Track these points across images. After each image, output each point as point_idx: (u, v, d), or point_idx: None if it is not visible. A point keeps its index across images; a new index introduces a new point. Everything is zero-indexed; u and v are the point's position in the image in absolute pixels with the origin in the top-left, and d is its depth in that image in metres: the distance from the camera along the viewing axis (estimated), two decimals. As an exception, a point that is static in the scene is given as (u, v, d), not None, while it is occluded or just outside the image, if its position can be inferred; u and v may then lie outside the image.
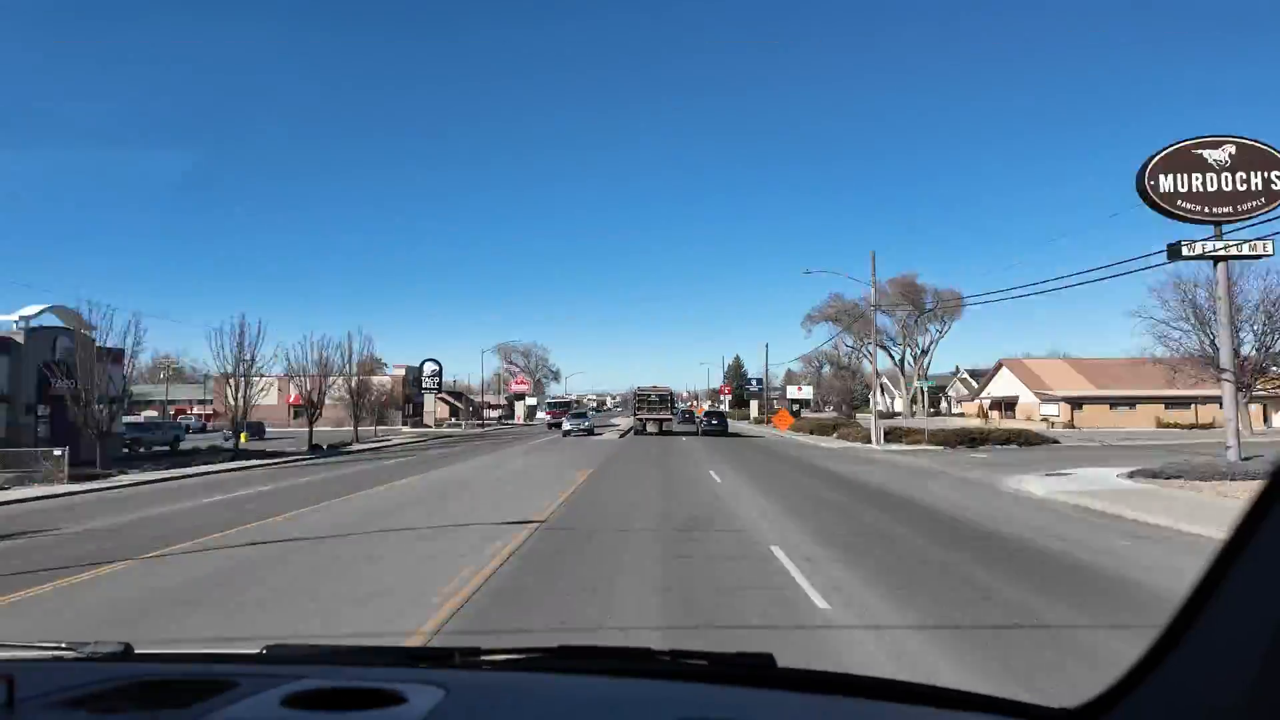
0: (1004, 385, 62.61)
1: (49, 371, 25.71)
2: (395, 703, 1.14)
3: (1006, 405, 61.12)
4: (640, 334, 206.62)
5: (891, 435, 35.10)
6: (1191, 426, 48.25)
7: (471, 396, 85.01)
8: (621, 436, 43.51)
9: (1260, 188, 18.02)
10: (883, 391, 61.83)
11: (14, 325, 27.71)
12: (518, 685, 1.35)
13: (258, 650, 1.52)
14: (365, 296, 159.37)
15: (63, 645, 1.49)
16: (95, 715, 1.13)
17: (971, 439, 32.91)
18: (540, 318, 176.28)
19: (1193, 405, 49.29)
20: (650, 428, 46.34)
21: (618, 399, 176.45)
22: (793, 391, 75.78)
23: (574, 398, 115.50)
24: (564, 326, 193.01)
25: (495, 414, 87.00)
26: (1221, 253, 18.62)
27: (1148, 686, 0.98)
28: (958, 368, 76.50)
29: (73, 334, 25.74)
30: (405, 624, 6.46)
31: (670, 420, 47.03)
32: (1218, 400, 28.19)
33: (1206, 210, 18.31)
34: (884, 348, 63.04)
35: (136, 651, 1.50)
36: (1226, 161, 18.29)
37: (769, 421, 60.93)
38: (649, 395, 46.69)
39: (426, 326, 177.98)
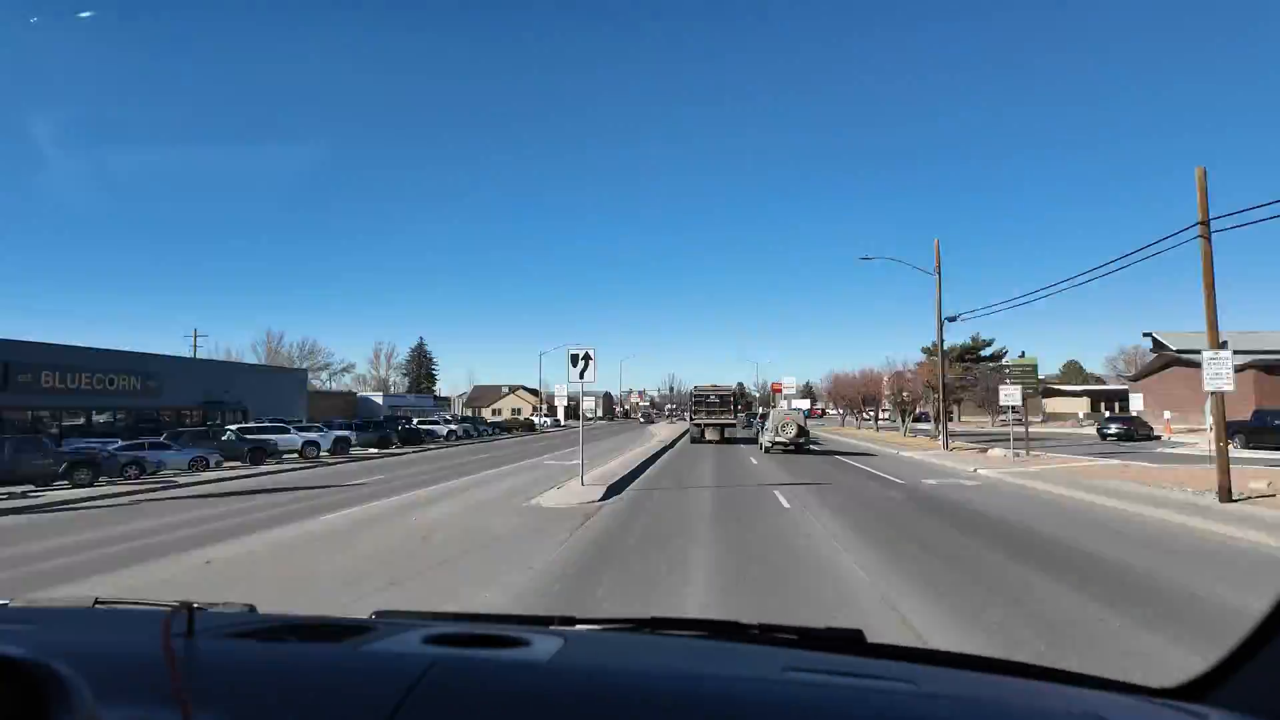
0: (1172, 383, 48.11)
1: None
2: (522, 645, 1.22)
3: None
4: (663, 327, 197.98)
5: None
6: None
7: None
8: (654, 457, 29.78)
9: None
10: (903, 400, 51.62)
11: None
12: (625, 640, 1.48)
13: (366, 617, 1.60)
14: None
15: (195, 604, 1.47)
16: (262, 644, 1.25)
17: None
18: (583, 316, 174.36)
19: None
20: (710, 434, 39.18)
21: (656, 396, 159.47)
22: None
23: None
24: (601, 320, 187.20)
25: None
26: None
27: (1257, 662, 1.03)
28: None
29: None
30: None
31: (734, 426, 40.61)
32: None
33: None
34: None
35: (260, 613, 1.63)
36: None
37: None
38: (707, 396, 40.00)
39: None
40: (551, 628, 1.52)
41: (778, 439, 31.87)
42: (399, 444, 40.75)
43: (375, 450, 37.69)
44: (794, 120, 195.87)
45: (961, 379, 45.54)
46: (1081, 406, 62.71)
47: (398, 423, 46.05)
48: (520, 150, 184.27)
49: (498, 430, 62.49)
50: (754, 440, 38.66)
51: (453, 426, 48.93)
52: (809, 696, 1.07)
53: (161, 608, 1.45)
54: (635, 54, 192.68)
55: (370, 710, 0.93)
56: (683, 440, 42.54)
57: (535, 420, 78.05)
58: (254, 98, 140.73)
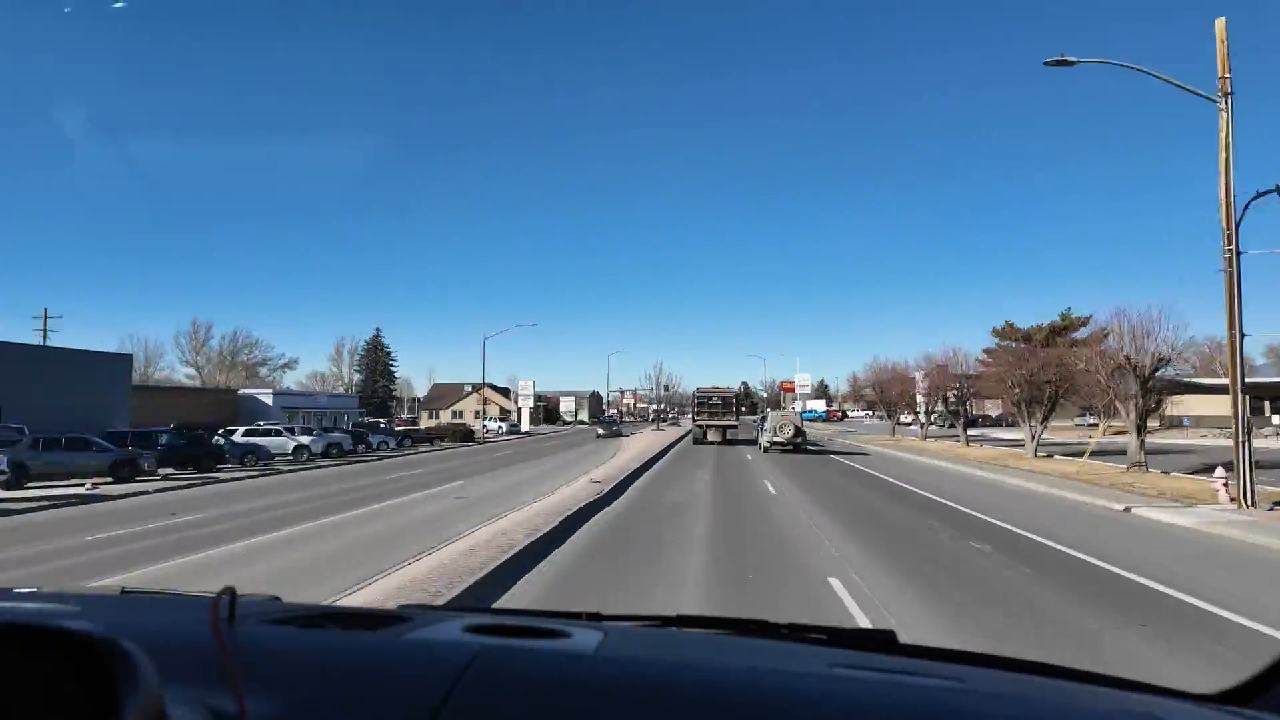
0: None
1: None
2: (564, 636, 1.20)
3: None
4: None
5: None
6: None
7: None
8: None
9: None
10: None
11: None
12: (661, 635, 1.46)
13: (395, 608, 1.62)
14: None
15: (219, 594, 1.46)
16: (303, 630, 1.22)
17: None
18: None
19: None
20: (712, 435, 39.92)
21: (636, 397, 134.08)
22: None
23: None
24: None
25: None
26: None
27: None
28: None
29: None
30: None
31: (735, 428, 40.83)
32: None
33: None
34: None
35: (286, 603, 1.56)
36: None
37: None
38: (710, 398, 40.45)
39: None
40: (583, 622, 1.46)
41: (775, 439, 32.89)
42: (189, 467, 25.41)
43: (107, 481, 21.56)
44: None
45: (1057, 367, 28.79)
46: (1224, 406, 42.03)
47: (199, 435, 28.54)
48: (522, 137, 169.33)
49: (414, 440, 45.51)
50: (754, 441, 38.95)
51: (303, 440, 31.44)
52: (862, 693, 1.06)
53: (192, 596, 1.54)
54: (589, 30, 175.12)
55: (419, 696, 0.94)
56: (678, 448, 37.19)
57: (488, 425, 62.98)
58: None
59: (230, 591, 1.15)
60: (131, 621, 1.27)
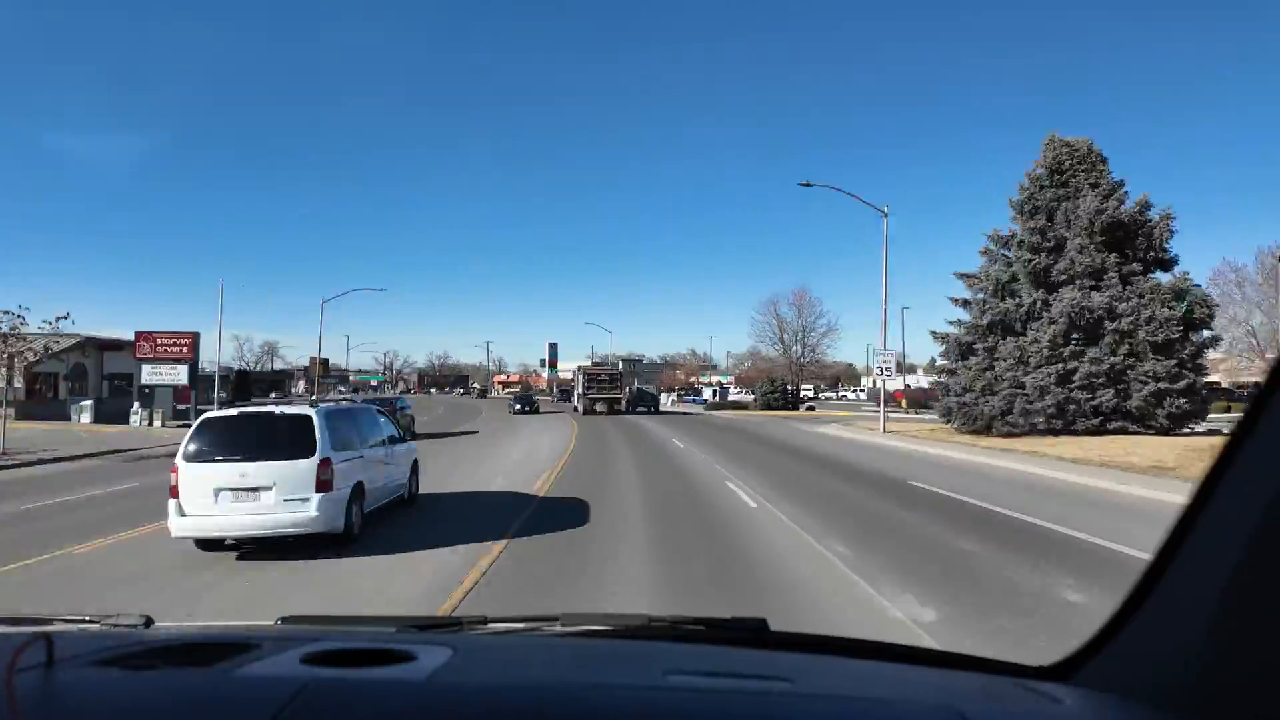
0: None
1: None
2: (406, 660, 1.17)
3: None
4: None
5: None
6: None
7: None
8: None
9: None
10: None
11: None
12: (520, 645, 1.44)
13: (273, 622, 1.55)
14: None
15: (86, 617, 1.52)
16: (126, 672, 1.16)
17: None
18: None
19: None
20: (600, 408, 44.63)
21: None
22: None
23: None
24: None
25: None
26: None
27: (1118, 641, 1.07)
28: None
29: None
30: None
31: (620, 400, 45.89)
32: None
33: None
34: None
35: (157, 624, 1.52)
36: None
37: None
38: (598, 374, 46.31)
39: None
40: (444, 634, 1.47)
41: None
42: None
43: None
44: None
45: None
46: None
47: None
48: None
49: None
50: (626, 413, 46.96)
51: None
52: (677, 705, 1.06)
53: (21, 630, 1.41)
54: None
55: None
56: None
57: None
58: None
59: (46, 638, 1.10)
60: None
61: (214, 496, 8.34)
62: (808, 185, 29.70)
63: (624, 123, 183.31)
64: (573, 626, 1.48)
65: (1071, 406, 24.56)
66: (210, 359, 43.58)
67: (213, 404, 34.46)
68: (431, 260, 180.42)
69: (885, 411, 30.46)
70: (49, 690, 1.02)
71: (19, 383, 25.16)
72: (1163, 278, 26.47)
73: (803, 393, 67.41)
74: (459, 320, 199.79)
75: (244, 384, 78.30)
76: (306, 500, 8.43)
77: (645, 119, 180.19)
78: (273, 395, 74.20)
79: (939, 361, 31.21)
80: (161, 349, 35.82)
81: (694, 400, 73.43)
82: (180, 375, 35.77)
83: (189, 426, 9.25)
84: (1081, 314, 25.16)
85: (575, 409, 48.65)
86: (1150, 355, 24.37)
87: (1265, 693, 0.82)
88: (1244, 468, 0.90)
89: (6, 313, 21.33)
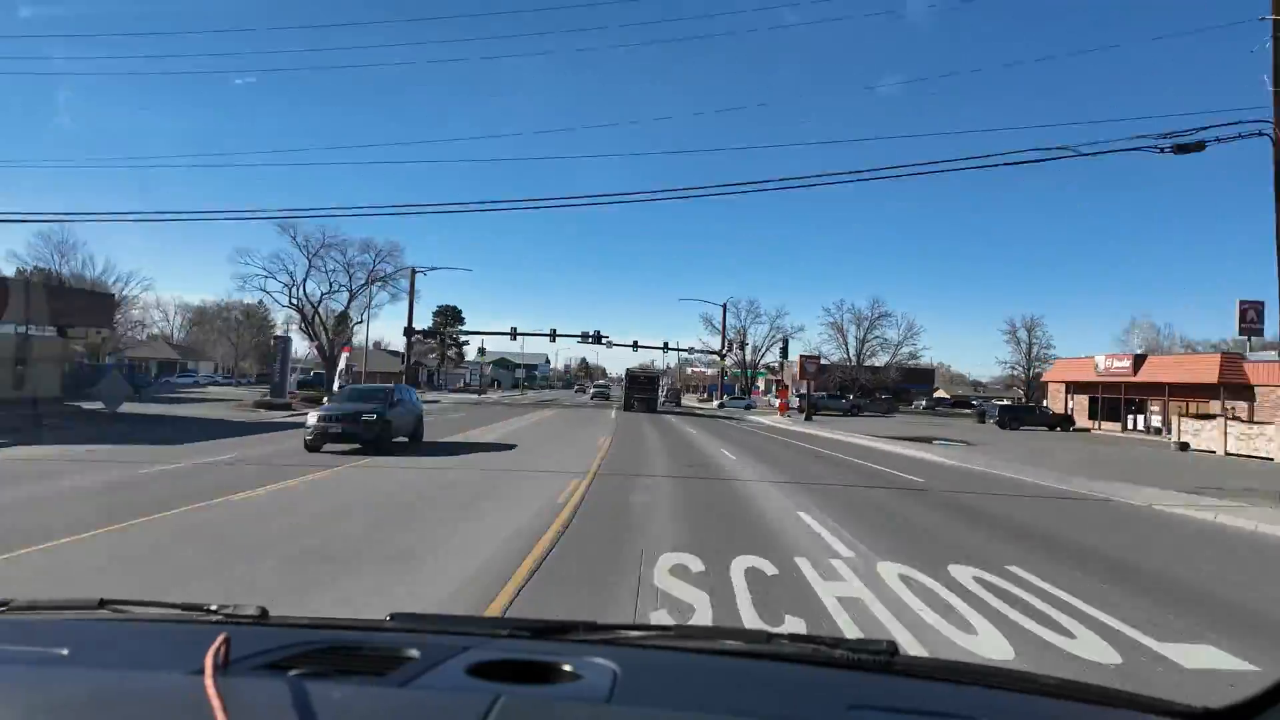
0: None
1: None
2: (571, 677, 1.16)
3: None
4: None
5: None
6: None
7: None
8: None
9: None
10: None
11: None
12: (674, 665, 1.38)
13: (383, 618, 1.55)
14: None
15: (206, 606, 1.53)
16: (303, 678, 1.11)
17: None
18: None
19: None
20: (638, 406, 50.83)
21: None
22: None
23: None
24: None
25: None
26: None
27: None
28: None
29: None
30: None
31: (656, 399, 53.64)
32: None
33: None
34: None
35: (271, 615, 1.53)
36: None
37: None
38: (639, 376, 54.15)
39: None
40: (580, 642, 1.43)
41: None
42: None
43: None
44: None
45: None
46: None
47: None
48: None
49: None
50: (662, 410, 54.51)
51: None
52: None
53: (173, 619, 1.49)
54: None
55: None
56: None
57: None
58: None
59: (226, 640, 1.13)
60: (96, 672, 1.17)
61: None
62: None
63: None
64: (693, 640, 1.49)
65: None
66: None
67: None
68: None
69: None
70: (243, 696, 1.01)
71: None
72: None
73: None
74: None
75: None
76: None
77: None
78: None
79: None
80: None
81: (737, 403, 68.78)
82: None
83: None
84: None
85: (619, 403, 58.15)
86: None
87: None
88: None
89: None
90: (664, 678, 1.26)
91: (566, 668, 1.18)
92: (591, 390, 66.27)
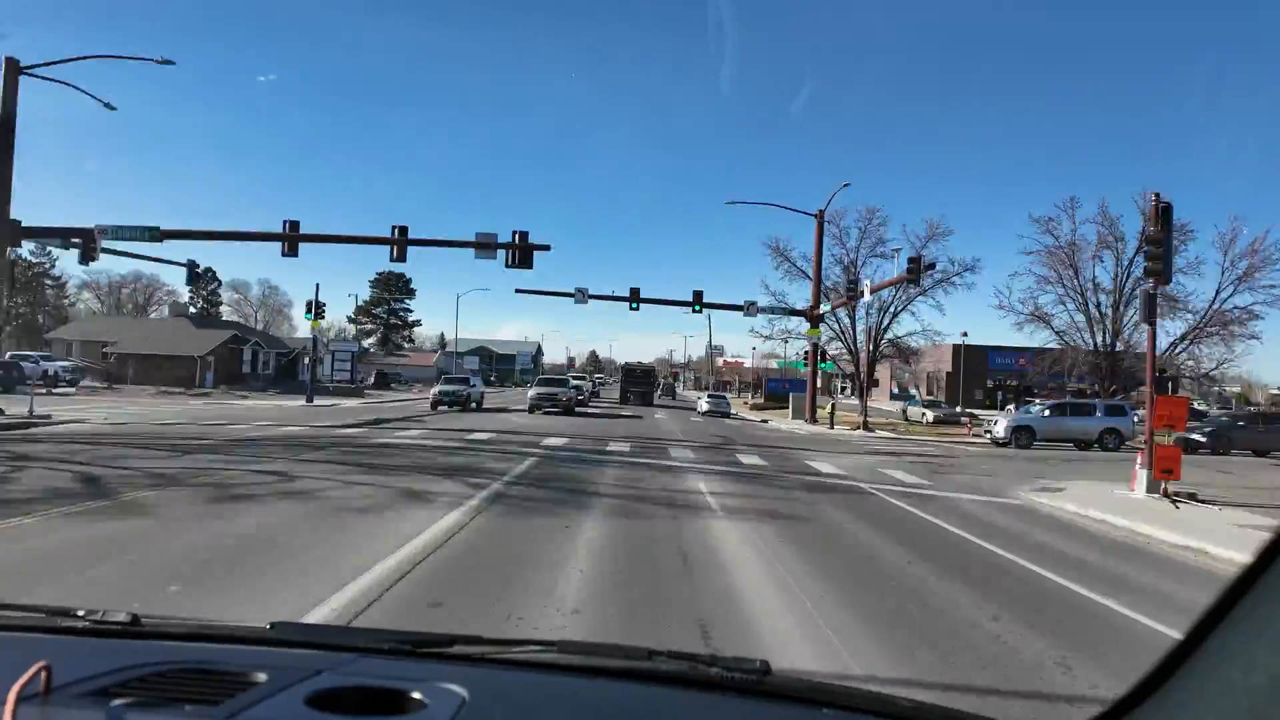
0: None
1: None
2: (416, 706, 1.16)
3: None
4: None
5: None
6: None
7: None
8: None
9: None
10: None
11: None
12: (530, 689, 1.37)
13: (265, 626, 1.55)
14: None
15: (73, 612, 1.51)
16: (126, 708, 1.09)
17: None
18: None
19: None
20: (634, 400, 51.88)
21: None
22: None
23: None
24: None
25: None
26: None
27: (1169, 689, 1.03)
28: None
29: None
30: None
31: (650, 393, 54.37)
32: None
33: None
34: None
35: (143, 622, 1.51)
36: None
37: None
38: (635, 370, 55.87)
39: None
40: (457, 658, 1.44)
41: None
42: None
43: None
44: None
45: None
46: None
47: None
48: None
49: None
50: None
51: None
52: None
53: (32, 625, 1.49)
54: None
55: None
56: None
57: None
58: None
59: (46, 668, 1.09)
60: None
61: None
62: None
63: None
64: (573, 657, 1.50)
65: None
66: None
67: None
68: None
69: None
70: None
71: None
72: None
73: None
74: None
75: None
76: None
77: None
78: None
79: None
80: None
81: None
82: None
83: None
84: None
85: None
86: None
87: None
88: None
89: None
90: (513, 708, 1.24)
91: (415, 695, 1.17)
92: (535, 391, 35.99)
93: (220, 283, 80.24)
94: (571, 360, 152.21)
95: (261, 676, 1.23)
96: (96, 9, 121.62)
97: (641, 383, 53.43)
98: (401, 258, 24.79)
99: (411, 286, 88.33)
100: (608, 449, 18.45)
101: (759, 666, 1.36)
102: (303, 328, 59.70)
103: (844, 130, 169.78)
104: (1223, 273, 30.34)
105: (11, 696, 0.98)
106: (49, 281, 76.74)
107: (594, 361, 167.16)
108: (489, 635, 1.56)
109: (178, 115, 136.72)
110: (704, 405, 43.24)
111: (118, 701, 1.10)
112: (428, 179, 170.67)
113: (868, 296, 31.98)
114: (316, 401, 34.88)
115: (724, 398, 46.76)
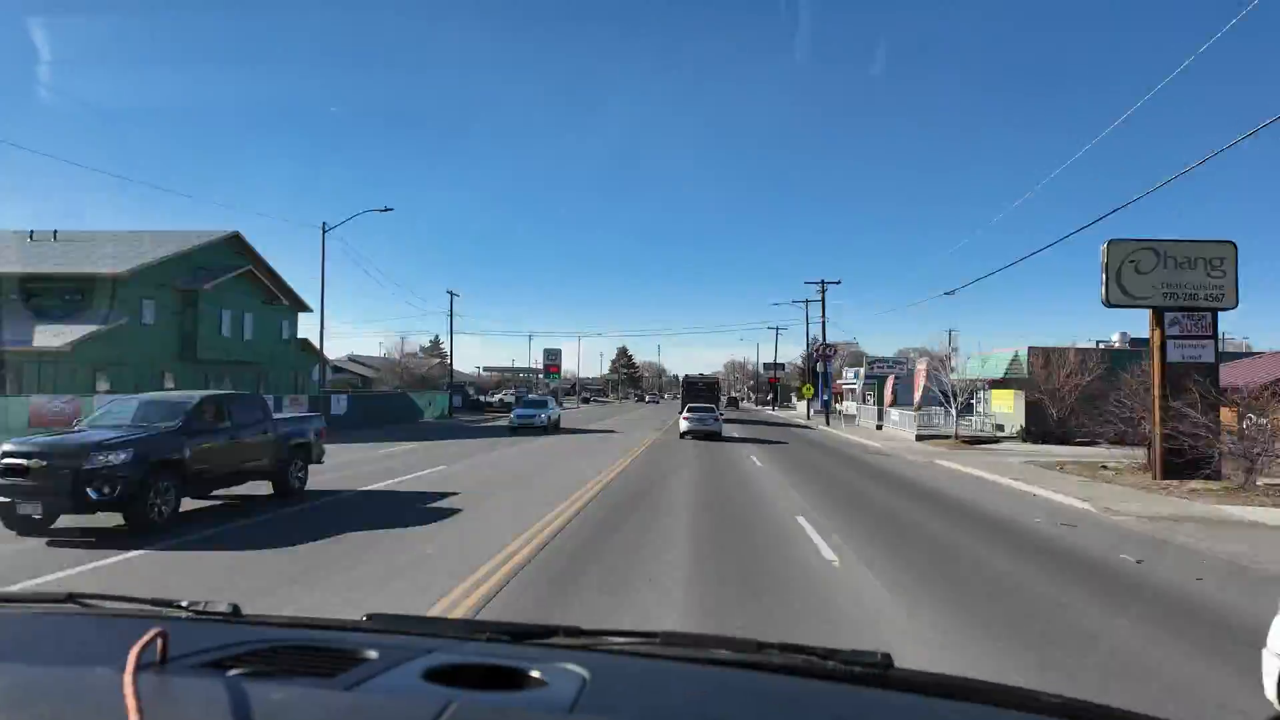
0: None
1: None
2: (536, 684, 1.13)
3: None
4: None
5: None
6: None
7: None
8: None
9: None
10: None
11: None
12: (648, 673, 1.32)
13: (360, 618, 1.54)
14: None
15: (177, 603, 1.53)
16: (243, 677, 1.10)
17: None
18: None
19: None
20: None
21: None
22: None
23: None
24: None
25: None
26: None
27: None
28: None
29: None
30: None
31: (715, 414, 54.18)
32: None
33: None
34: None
35: (244, 613, 1.54)
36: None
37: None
38: (697, 383, 52.75)
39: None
40: (560, 647, 1.41)
41: None
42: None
43: None
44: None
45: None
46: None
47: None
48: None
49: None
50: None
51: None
52: None
53: (139, 614, 1.48)
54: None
55: None
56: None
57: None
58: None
59: (162, 634, 1.11)
60: (38, 668, 1.15)
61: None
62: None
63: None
64: (678, 649, 1.41)
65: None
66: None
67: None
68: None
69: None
70: (161, 697, 1.00)
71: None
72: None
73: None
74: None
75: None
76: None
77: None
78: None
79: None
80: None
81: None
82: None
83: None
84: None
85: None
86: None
87: None
88: None
89: None
90: (636, 687, 1.23)
91: (534, 674, 1.16)
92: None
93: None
94: (615, 367, 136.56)
95: (372, 654, 1.24)
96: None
97: (704, 397, 43.02)
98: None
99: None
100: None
101: (880, 660, 1.30)
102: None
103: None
104: None
105: (131, 660, 0.99)
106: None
107: (627, 363, 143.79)
108: (587, 627, 1.52)
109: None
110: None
111: (234, 671, 1.12)
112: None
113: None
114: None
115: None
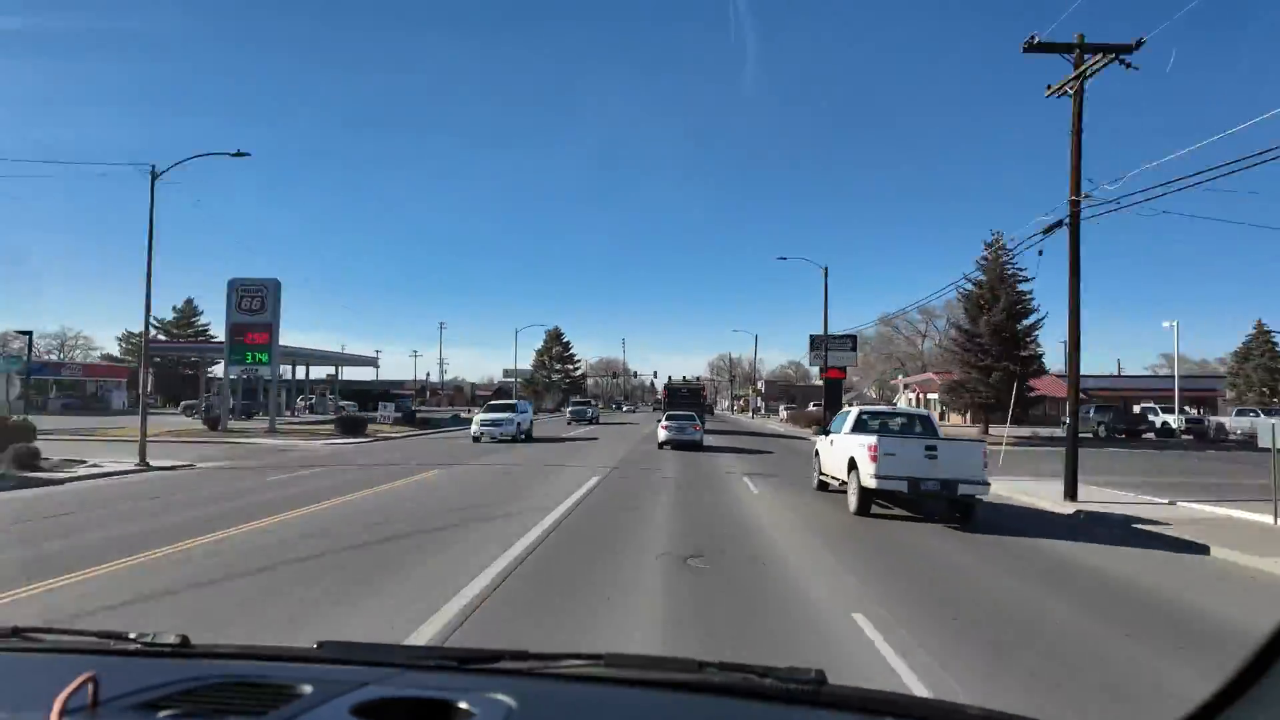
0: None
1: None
2: (463, 716, 1.14)
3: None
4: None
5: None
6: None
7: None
8: None
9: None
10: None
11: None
12: (578, 701, 1.36)
13: (312, 645, 1.55)
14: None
15: (126, 635, 1.53)
16: (173, 718, 1.11)
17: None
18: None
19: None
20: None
21: None
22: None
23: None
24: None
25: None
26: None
27: (1262, 687, 1.01)
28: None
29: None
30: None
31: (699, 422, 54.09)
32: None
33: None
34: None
35: (194, 643, 1.53)
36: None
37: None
38: (680, 389, 51.92)
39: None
40: (502, 673, 1.42)
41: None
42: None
43: None
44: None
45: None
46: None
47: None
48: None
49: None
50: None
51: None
52: None
53: (84, 648, 1.47)
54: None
55: None
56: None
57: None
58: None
59: (92, 679, 1.10)
60: None
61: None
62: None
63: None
64: (621, 670, 1.44)
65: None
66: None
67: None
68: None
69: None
70: None
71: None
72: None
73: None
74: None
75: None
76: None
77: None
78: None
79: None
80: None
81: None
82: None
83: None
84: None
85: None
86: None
87: None
88: None
89: None
90: (566, 715, 1.24)
91: (462, 705, 1.15)
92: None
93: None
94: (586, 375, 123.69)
95: (307, 688, 1.23)
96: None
97: (687, 405, 41.28)
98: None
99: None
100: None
101: (814, 677, 1.31)
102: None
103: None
104: None
105: (57, 707, 0.96)
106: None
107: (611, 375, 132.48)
108: (535, 651, 1.51)
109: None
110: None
111: (165, 713, 1.10)
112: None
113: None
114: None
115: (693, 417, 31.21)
